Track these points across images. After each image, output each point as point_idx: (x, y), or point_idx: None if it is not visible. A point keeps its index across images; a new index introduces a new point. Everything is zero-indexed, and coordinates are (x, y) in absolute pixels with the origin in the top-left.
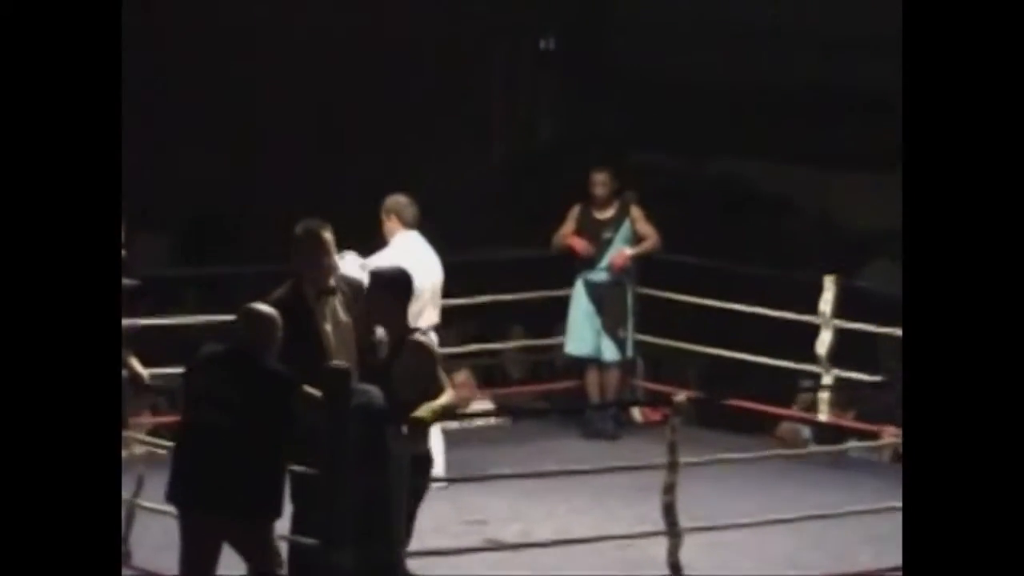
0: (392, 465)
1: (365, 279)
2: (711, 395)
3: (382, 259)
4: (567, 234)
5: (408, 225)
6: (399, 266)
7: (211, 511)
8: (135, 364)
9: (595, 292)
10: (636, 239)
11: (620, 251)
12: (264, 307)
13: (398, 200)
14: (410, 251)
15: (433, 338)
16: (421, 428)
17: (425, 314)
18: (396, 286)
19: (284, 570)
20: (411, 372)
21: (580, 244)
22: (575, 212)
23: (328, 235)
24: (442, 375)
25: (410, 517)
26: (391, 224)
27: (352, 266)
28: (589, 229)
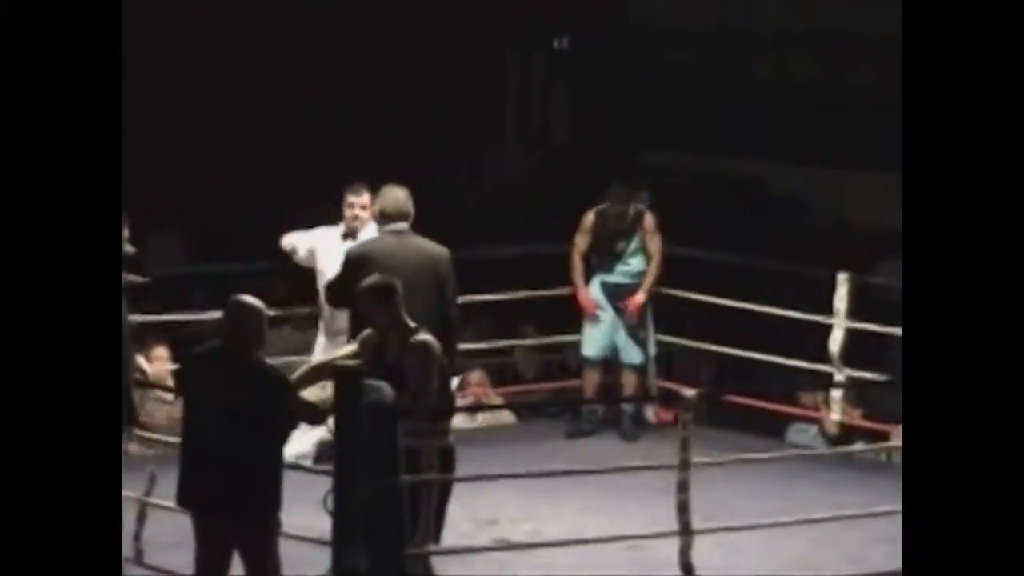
0: (414, 462)
1: None
2: (723, 392)
3: None
4: (584, 247)
5: None
6: (377, 276)
7: (211, 511)
8: (141, 362)
9: (613, 294)
10: (644, 252)
11: (632, 299)
12: (249, 298)
13: None
14: None
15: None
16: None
17: None
18: (378, 294)
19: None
20: (416, 371)
21: (588, 304)
22: (589, 222)
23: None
24: (434, 375)
25: (439, 513)
26: None
27: None
28: (604, 238)
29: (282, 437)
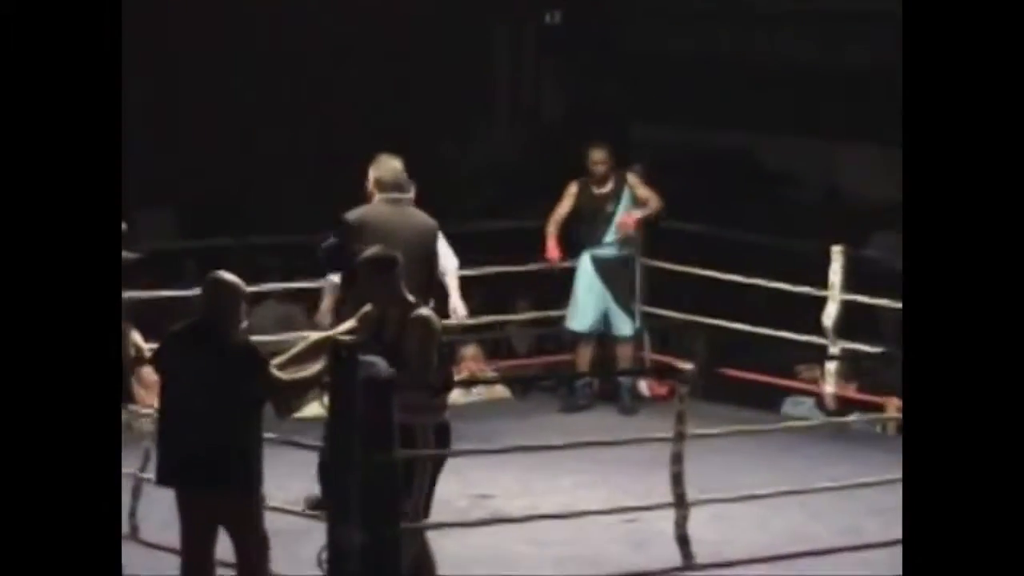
0: (410, 438)
1: None
2: (718, 365)
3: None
4: (563, 215)
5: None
6: (379, 248)
7: (191, 489)
8: (136, 338)
9: (602, 267)
10: (638, 204)
11: (628, 212)
12: (227, 275)
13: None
14: None
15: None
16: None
17: None
18: (379, 265)
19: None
20: (416, 347)
21: (554, 254)
22: (573, 189)
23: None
24: (434, 351)
25: (429, 489)
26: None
27: None
28: (589, 206)
29: (260, 413)
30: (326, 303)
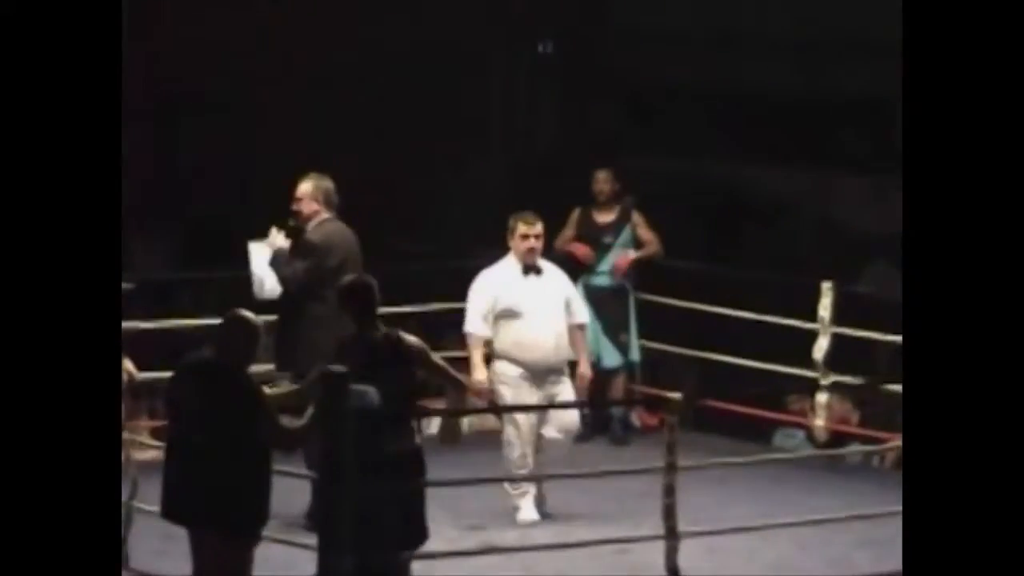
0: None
1: None
2: (707, 396)
3: None
4: (568, 238)
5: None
6: (359, 275)
7: (196, 525)
8: (129, 366)
9: (596, 297)
10: (637, 244)
11: (623, 254)
12: (247, 313)
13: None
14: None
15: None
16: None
17: None
18: (359, 293)
19: None
20: (395, 372)
21: (581, 250)
22: (575, 216)
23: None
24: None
25: (420, 515)
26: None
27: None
28: (590, 233)
29: (267, 452)
30: (477, 357)
